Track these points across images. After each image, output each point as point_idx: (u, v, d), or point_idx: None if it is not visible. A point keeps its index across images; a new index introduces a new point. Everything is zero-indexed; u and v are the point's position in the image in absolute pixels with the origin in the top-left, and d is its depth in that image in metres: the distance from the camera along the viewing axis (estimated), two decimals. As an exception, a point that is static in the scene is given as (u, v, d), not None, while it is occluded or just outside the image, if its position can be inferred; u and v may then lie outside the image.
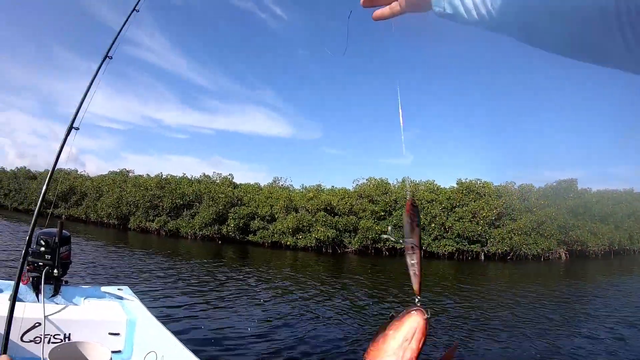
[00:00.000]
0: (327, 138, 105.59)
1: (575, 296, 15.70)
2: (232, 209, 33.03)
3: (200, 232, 32.82)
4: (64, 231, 4.68)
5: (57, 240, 4.54)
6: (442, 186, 33.57)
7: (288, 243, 30.29)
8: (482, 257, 29.66)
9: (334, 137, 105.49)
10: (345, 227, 30.57)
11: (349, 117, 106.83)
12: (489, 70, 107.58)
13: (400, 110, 0.95)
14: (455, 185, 32.97)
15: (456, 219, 29.83)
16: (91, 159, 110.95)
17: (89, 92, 4.03)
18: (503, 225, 30.16)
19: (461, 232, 29.09)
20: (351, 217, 31.19)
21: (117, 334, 4.24)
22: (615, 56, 0.65)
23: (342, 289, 15.23)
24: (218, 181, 39.28)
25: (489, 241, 29.55)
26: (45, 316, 3.87)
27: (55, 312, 4.02)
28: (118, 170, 45.01)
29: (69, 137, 3.81)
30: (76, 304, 4.70)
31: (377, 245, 30.23)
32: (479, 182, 32.82)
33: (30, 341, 3.81)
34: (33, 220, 3.78)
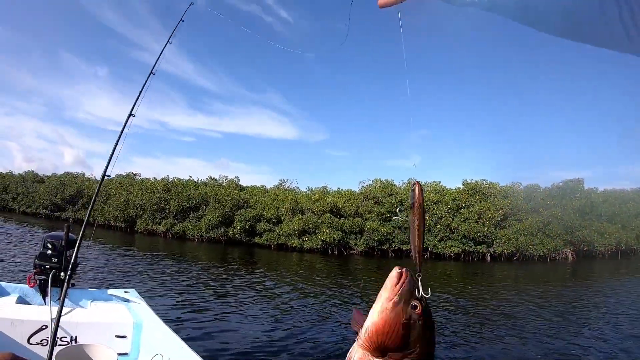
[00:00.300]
0: (333, 140, 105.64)
1: (582, 297, 15.55)
2: (239, 212, 33.12)
3: (207, 235, 32.90)
4: (70, 234, 4.70)
5: (63, 243, 4.57)
6: (447, 187, 33.49)
7: (294, 245, 30.29)
8: (488, 258, 29.47)
9: (339, 138, 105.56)
10: (351, 228, 30.53)
11: (354, 119, 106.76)
12: (496, 70, 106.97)
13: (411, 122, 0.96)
14: (461, 186, 32.86)
15: (462, 219, 29.67)
16: (98, 163, 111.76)
17: (137, 101, 4.42)
18: (509, 225, 29.96)
19: (467, 233, 28.92)
20: (357, 218, 31.16)
21: (124, 337, 4.26)
22: (614, 39, 0.64)
23: (349, 290, 15.20)
24: (224, 184, 39.42)
25: (494, 242, 29.36)
26: (52, 319, 3.88)
27: (62, 315, 4.02)
28: (125, 174, 45.30)
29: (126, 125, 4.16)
30: (83, 307, 4.74)
31: (383, 247, 30.14)
32: (484, 182, 32.69)
33: (37, 343, 3.83)
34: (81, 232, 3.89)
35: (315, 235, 29.91)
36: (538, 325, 10.76)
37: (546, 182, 36.47)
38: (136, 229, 36.88)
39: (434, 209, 29.92)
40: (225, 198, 33.74)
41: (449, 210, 30.33)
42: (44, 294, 4.46)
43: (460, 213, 30.34)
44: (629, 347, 9.02)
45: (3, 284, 4.93)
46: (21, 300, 4.62)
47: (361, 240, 30.14)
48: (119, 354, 3.82)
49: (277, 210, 32.79)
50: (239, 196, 35.01)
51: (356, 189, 35.68)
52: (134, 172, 45.17)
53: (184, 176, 41.24)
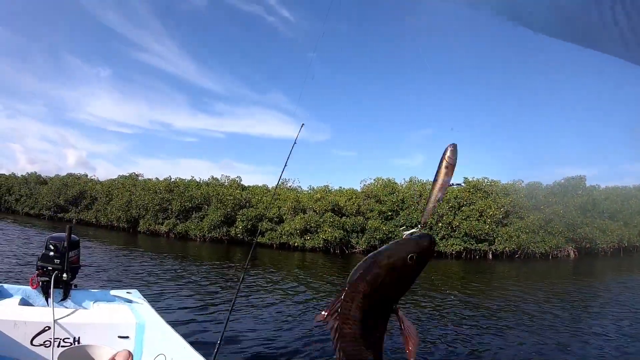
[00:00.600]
0: (336, 139, 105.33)
1: (584, 294, 15.55)
2: (241, 211, 33.19)
3: (209, 235, 33.01)
4: (72, 235, 4.71)
5: (66, 244, 4.58)
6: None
7: (296, 244, 30.36)
8: (490, 256, 29.47)
9: (342, 138, 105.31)
10: (352, 227, 30.57)
11: (358, 118, 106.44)
12: (495, 70, 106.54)
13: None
14: (463, 184, 32.79)
15: (463, 217, 29.67)
16: (101, 164, 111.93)
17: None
18: (510, 223, 29.95)
19: (468, 231, 28.92)
20: (359, 217, 31.19)
21: (127, 337, 4.28)
22: (607, 40, 0.62)
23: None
24: (226, 183, 39.50)
25: (496, 240, 29.35)
26: (54, 320, 3.91)
27: (65, 316, 4.06)
28: (127, 174, 45.42)
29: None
30: (85, 308, 4.76)
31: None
32: (486, 180, 32.65)
33: (40, 345, 3.85)
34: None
35: (317, 234, 29.98)
36: (540, 323, 10.76)
37: (548, 179, 36.43)
38: (139, 229, 37.03)
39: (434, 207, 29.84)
40: (227, 198, 33.83)
41: (451, 208, 30.33)
42: (46, 296, 4.47)
43: (461, 211, 30.34)
44: (631, 345, 9.02)
45: (6, 285, 4.96)
46: (24, 302, 4.64)
47: (363, 239, 30.17)
48: (122, 355, 3.84)
49: (279, 209, 32.88)
50: (241, 196, 35.09)
51: (358, 188, 35.77)
52: (136, 173, 45.39)
53: (188, 177, 41.42)
